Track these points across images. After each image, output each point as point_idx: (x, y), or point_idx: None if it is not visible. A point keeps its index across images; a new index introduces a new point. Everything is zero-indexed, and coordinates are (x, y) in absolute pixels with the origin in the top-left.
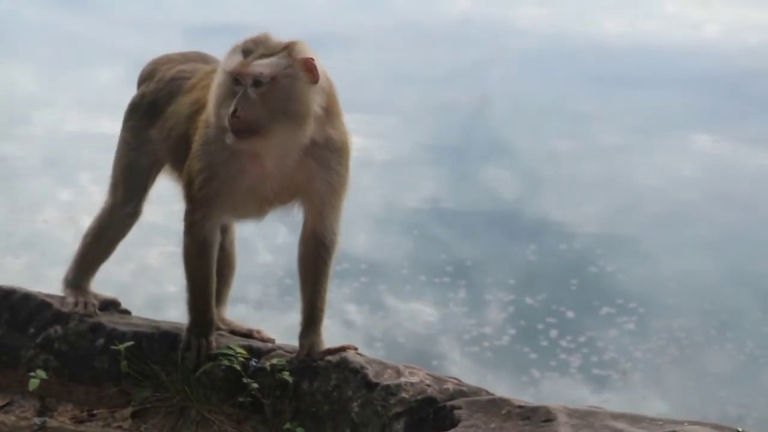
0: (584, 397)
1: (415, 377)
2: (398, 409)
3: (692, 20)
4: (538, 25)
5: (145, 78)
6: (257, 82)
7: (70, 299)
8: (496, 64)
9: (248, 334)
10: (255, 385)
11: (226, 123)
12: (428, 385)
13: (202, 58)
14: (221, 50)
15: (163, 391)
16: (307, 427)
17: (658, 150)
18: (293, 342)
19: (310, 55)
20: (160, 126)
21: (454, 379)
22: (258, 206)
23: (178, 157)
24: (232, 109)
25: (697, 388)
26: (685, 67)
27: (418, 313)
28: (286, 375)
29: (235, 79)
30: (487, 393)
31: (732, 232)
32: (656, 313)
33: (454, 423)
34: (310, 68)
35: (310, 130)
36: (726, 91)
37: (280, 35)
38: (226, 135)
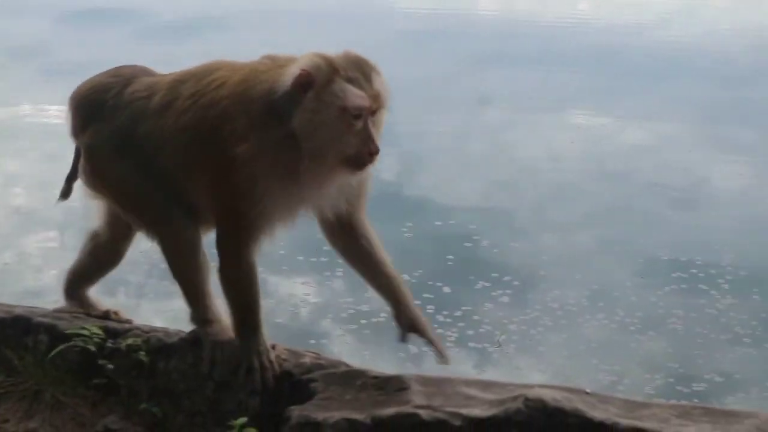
0: (465, 372)
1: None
2: (254, 385)
3: None
4: (416, 5)
5: (92, 114)
6: (375, 113)
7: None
8: (377, 46)
9: (105, 316)
10: (110, 366)
11: (365, 160)
12: (285, 360)
13: (139, 71)
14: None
15: (16, 375)
16: (164, 407)
17: (538, 126)
18: (178, 326)
19: None
20: (132, 150)
21: (313, 352)
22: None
23: (161, 180)
24: (376, 145)
25: (571, 357)
26: (561, 43)
27: (297, 293)
28: (142, 355)
29: (357, 114)
30: (346, 365)
31: (606, 205)
32: (531, 285)
33: (311, 396)
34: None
35: None
36: (600, 67)
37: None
38: (344, 171)
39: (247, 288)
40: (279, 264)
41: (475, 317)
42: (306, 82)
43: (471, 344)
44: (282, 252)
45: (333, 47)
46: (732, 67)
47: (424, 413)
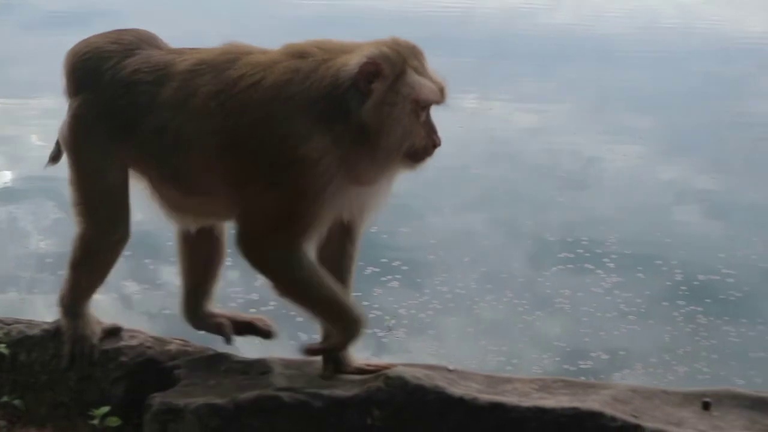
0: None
1: (135, 340)
2: (117, 373)
3: None
4: None
5: (84, 80)
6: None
7: (69, 336)
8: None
9: (250, 323)
10: None
11: (429, 152)
12: (149, 347)
13: (143, 40)
14: None
15: None
16: (27, 399)
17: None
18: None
19: None
20: (135, 144)
21: (180, 339)
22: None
23: (182, 179)
24: (439, 137)
25: (462, 340)
26: (450, 29)
27: None
28: (2, 348)
29: (426, 106)
30: (213, 351)
31: (495, 188)
32: (420, 270)
33: (175, 382)
34: None
35: None
36: (490, 51)
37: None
38: (413, 164)
39: (318, 283)
40: (170, 254)
41: (365, 303)
42: (374, 72)
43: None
44: (170, 243)
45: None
46: (620, 50)
47: (285, 395)
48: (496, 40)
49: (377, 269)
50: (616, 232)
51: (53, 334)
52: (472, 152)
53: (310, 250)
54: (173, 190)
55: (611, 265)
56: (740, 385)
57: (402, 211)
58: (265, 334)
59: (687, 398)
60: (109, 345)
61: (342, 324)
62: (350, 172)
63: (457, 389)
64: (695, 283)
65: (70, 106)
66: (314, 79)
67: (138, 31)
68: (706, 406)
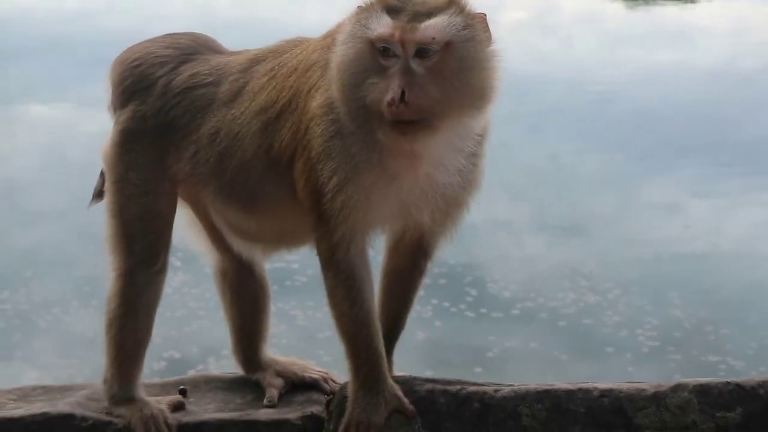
0: None
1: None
2: None
3: None
4: None
5: (134, 89)
6: (423, 52)
7: (138, 425)
8: None
9: (315, 382)
10: None
11: (384, 111)
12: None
13: (201, 44)
14: None
15: None
16: None
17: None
18: None
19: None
20: (189, 155)
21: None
22: (402, 219)
23: (239, 189)
24: (396, 91)
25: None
26: (6, 36)
27: None
28: None
29: (383, 48)
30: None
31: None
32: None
33: None
34: (486, 26)
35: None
36: (52, 57)
37: None
38: (379, 128)
39: (348, 312)
40: None
41: None
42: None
43: None
44: None
45: None
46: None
47: None
48: (55, 45)
49: None
50: None
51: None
52: (45, 160)
53: (365, 263)
54: (233, 209)
55: (178, 263)
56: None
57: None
58: (328, 393)
59: (165, 387)
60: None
61: (361, 381)
62: (372, 156)
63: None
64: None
65: (116, 120)
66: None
67: (195, 35)
68: (183, 393)
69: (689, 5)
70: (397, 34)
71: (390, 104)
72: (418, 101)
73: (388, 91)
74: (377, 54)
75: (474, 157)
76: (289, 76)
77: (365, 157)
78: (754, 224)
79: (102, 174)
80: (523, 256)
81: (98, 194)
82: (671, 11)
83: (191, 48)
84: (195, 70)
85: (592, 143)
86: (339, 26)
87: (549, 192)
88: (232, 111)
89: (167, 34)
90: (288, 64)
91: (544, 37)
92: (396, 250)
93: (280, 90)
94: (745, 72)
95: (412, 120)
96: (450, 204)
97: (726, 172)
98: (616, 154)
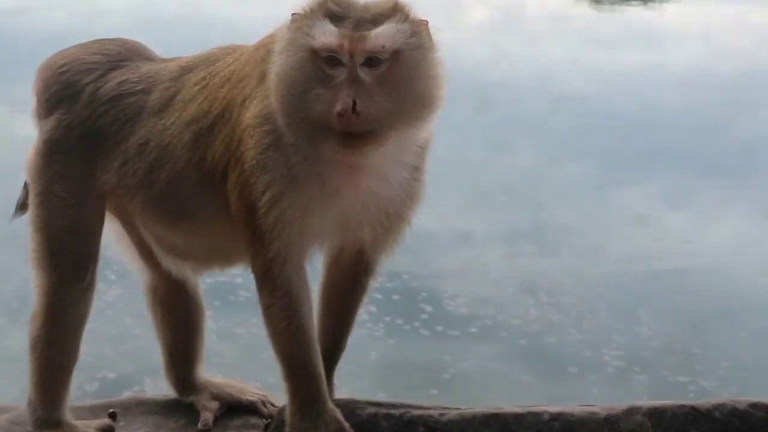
0: None
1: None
2: None
3: None
4: None
5: (59, 97)
6: (371, 61)
7: None
8: None
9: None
10: None
11: (333, 122)
12: None
13: (131, 51)
14: None
15: None
16: None
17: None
18: None
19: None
20: (117, 166)
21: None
22: (342, 235)
23: (168, 203)
24: (347, 101)
25: None
26: None
27: None
28: None
29: (330, 58)
30: None
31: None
32: None
33: None
34: (429, 33)
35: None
36: None
37: None
38: (326, 140)
39: (284, 333)
40: None
41: None
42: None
43: None
44: None
45: None
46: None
47: None
48: None
49: None
50: None
51: None
52: None
53: (303, 281)
54: (161, 224)
55: (112, 276)
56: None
57: None
58: (266, 417)
59: (93, 410)
60: None
61: (299, 403)
62: (312, 169)
63: None
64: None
65: (41, 129)
66: (270, 46)
67: (124, 41)
68: (112, 416)
69: (657, 7)
70: (345, 43)
71: (340, 115)
72: (368, 111)
73: (336, 101)
74: (321, 63)
75: (416, 171)
76: (222, 87)
77: (304, 170)
78: (729, 237)
79: (26, 185)
80: (482, 270)
81: (22, 207)
82: (639, 13)
83: (120, 54)
84: (124, 78)
85: (558, 150)
86: (273, 36)
87: (510, 201)
88: (162, 121)
89: (96, 40)
90: (220, 73)
91: (507, 38)
92: (335, 267)
93: (212, 100)
94: (716, 76)
95: (361, 131)
96: (392, 219)
97: (699, 182)
98: (584, 161)
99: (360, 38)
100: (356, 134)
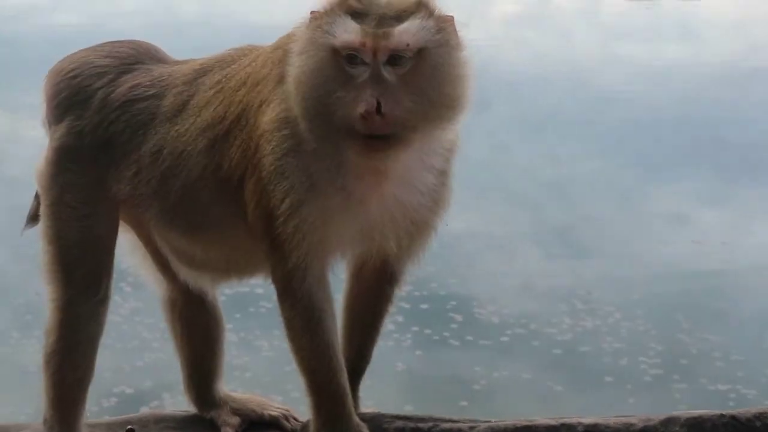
0: None
1: None
2: None
3: None
4: None
5: (70, 103)
6: (395, 59)
7: None
8: None
9: (272, 421)
10: None
11: (356, 125)
12: None
13: (143, 53)
14: None
15: None
16: None
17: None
18: None
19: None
20: (130, 175)
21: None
22: (365, 244)
23: (185, 212)
24: (371, 102)
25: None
26: None
27: None
28: None
29: (351, 56)
30: None
31: None
32: None
33: None
34: (456, 30)
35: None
36: None
37: None
38: (350, 144)
39: (306, 345)
40: None
41: None
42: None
43: None
44: None
45: None
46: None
47: None
48: None
49: None
50: None
51: None
52: None
53: (325, 293)
54: (177, 234)
55: (128, 289)
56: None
57: None
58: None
59: (111, 427)
60: None
61: (322, 418)
62: (334, 175)
63: None
64: None
65: (51, 136)
66: (287, 47)
67: (137, 43)
68: None
69: None
70: (368, 41)
71: (364, 117)
72: (393, 112)
73: (359, 102)
74: (343, 62)
75: (443, 175)
76: (238, 90)
77: (326, 177)
78: None
79: (37, 196)
80: (515, 276)
81: (33, 218)
82: (674, 4)
83: (132, 57)
84: (136, 82)
85: (592, 148)
86: (291, 36)
87: (544, 202)
88: (177, 127)
89: (107, 42)
90: (236, 76)
91: (538, 33)
92: (359, 276)
93: (228, 105)
94: (756, 70)
95: (386, 134)
96: (417, 227)
97: (738, 180)
98: (618, 160)
99: (383, 35)
100: (381, 137)
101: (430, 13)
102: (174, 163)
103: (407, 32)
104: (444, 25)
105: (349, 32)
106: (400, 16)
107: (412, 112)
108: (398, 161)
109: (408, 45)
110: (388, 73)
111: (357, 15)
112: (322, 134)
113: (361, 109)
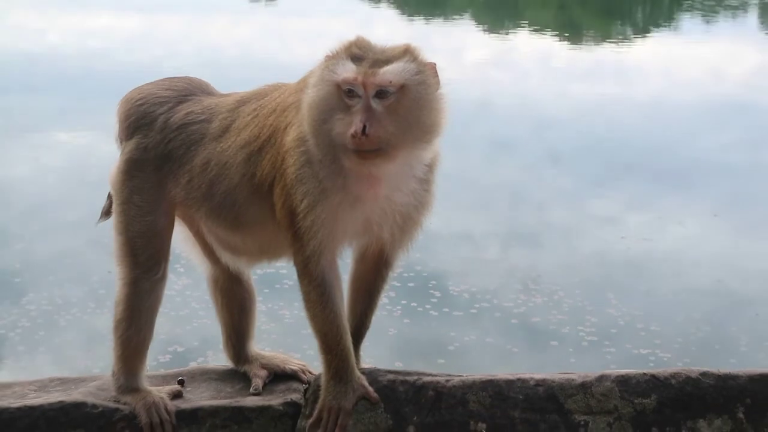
0: None
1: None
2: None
3: (35, 29)
4: None
5: (138, 124)
6: (381, 93)
7: (141, 412)
8: None
9: (292, 374)
10: None
11: (347, 142)
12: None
13: (195, 87)
14: None
15: None
16: None
17: (24, 147)
18: None
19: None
20: (184, 182)
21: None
22: (366, 235)
23: (227, 211)
24: (359, 125)
25: (51, 351)
26: (34, 72)
27: None
28: None
29: (349, 90)
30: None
31: (90, 210)
32: (4, 294)
33: None
34: (435, 73)
35: (437, 146)
36: (75, 89)
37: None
38: (344, 156)
39: (319, 315)
40: None
41: None
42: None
43: None
44: None
45: None
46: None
47: None
48: (78, 78)
49: None
50: None
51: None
52: (69, 180)
53: (334, 273)
54: (221, 228)
55: (181, 269)
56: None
57: (8, 237)
58: (305, 383)
59: (165, 378)
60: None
61: (331, 373)
62: (338, 181)
63: None
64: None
65: (122, 150)
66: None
67: (190, 79)
68: (181, 383)
69: (625, 46)
70: (360, 78)
71: (353, 136)
72: (376, 134)
73: (351, 125)
74: (343, 95)
75: (426, 183)
76: (269, 116)
77: (332, 182)
78: (682, 236)
79: (109, 196)
80: (481, 263)
81: (105, 213)
82: (610, 52)
83: (187, 90)
84: (190, 109)
85: (543, 163)
86: (310, 73)
87: (502, 206)
88: (221, 144)
89: (166, 78)
90: (268, 105)
91: (502, 73)
92: (361, 261)
93: (261, 127)
94: (675, 104)
95: (372, 149)
96: (406, 221)
97: (658, 191)
98: (564, 173)
99: (372, 74)
100: (367, 151)
101: (414, 58)
102: (219, 173)
103: (391, 72)
104: (424, 68)
105: (347, 71)
106: (389, 60)
107: (393, 134)
108: (388, 170)
109: (390, 82)
110: (375, 104)
111: (356, 59)
112: (325, 148)
113: (351, 130)
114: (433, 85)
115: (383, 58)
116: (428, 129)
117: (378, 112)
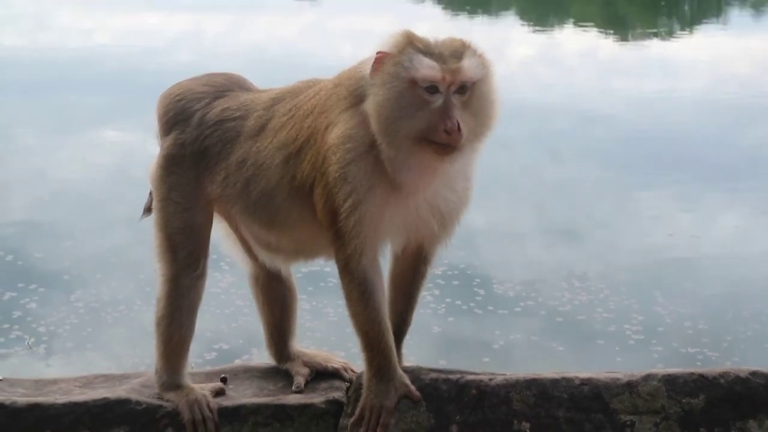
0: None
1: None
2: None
3: (83, 30)
4: None
5: (175, 120)
6: (462, 89)
7: (184, 409)
8: None
9: (336, 372)
10: None
11: (438, 137)
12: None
13: (233, 82)
14: None
15: None
16: None
17: (72, 145)
18: None
19: None
20: (220, 179)
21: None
22: (408, 233)
23: (262, 210)
24: (453, 121)
25: (96, 349)
26: (83, 71)
27: None
28: None
29: (429, 86)
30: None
31: (133, 210)
32: (56, 290)
33: None
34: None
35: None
36: (122, 88)
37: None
38: (423, 151)
39: (361, 313)
40: None
41: (5, 325)
42: (381, 60)
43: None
44: None
45: None
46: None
47: None
48: (125, 77)
49: (14, 293)
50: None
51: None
52: (114, 178)
53: (376, 271)
54: (257, 225)
55: (226, 267)
56: None
57: (61, 235)
58: (348, 381)
59: (208, 376)
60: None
61: (373, 371)
62: (385, 177)
63: (1, 396)
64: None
65: (161, 146)
66: (354, 77)
67: (229, 75)
68: (224, 380)
69: (672, 40)
70: (447, 76)
71: (448, 132)
72: (464, 130)
73: (442, 120)
74: (421, 91)
75: (468, 180)
76: (306, 118)
77: (384, 180)
78: (729, 233)
79: (150, 193)
80: (525, 260)
81: (147, 210)
82: (657, 46)
83: (224, 86)
84: (226, 105)
85: (590, 161)
86: (350, 73)
87: (549, 202)
88: (257, 144)
89: (206, 74)
90: (304, 107)
91: (547, 69)
92: (400, 258)
93: (299, 129)
94: (723, 99)
95: (459, 144)
96: (448, 218)
97: (706, 187)
98: (610, 170)
99: (457, 71)
100: (449, 146)
101: (475, 51)
102: (255, 173)
103: (470, 68)
104: (485, 62)
105: (428, 68)
106: (458, 55)
107: (471, 129)
108: (456, 165)
109: (472, 78)
110: (456, 100)
111: (427, 53)
112: (399, 145)
113: (446, 125)
114: (494, 78)
115: (452, 52)
116: (492, 122)
117: (458, 108)
